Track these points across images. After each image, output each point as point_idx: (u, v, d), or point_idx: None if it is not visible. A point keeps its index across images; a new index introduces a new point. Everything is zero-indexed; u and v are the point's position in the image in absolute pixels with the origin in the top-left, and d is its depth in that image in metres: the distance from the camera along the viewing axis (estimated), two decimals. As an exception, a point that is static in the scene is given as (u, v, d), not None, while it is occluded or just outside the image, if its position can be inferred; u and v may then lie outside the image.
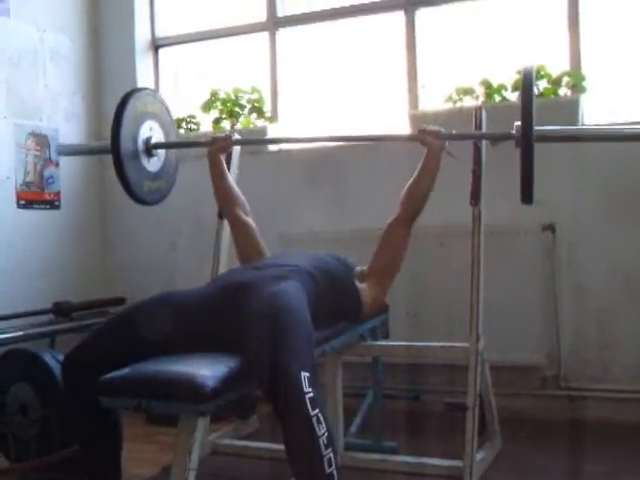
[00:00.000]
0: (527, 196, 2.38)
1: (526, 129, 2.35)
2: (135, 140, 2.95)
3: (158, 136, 3.08)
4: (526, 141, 2.35)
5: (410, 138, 2.74)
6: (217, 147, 2.93)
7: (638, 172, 3.25)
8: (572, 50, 3.49)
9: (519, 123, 2.39)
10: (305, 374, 1.79)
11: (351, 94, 4.00)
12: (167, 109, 3.18)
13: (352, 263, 2.69)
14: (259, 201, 3.75)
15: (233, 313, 2.09)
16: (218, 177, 2.90)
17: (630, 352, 3.28)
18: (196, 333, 2.13)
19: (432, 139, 2.63)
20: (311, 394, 1.78)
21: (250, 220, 2.85)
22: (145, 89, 3.22)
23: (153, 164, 3.06)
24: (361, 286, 2.59)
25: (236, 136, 3.11)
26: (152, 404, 1.90)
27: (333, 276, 2.45)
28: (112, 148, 2.84)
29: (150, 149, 3.02)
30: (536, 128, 2.37)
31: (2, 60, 3.79)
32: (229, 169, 3.10)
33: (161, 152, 3.11)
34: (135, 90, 3.03)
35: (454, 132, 2.70)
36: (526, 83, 2.39)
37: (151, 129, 3.04)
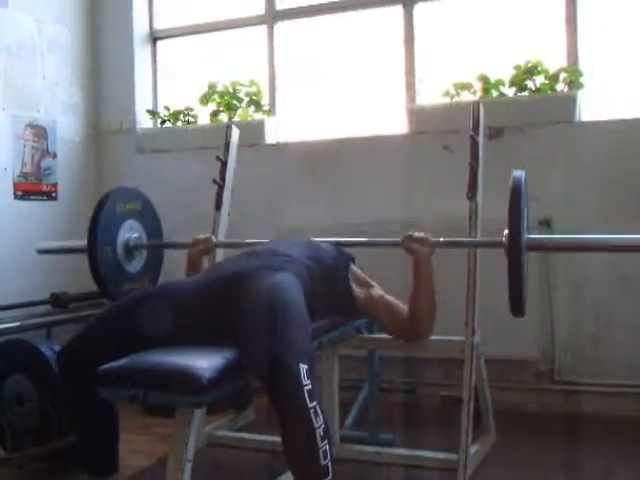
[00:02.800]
0: (517, 308, 2.21)
1: (513, 241, 2.16)
2: (115, 244, 2.92)
3: (139, 233, 3.05)
4: (514, 251, 2.16)
5: (395, 245, 2.58)
6: (198, 250, 2.86)
7: (634, 167, 3.26)
8: (569, 46, 3.50)
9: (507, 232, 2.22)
10: (304, 366, 1.80)
11: (349, 88, 4.00)
12: (148, 202, 3.15)
13: (350, 255, 2.69)
14: (257, 194, 3.78)
15: (230, 304, 2.09)
16: (192, 272, 2.78)
17: (624, 347, 3.30)
18: (193, 324, 2.14)
19: (418, 247, 2.50)
20: (309, 386, 1.78)
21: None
22: (120, 189, 3.15)
23: (134, 265, 3.03)
24: (356, 289, 2.59)
25: (234, 131, 3.10)
26: (149, 395, 1.91)
27: (328, 267, 2.45)
28: (89, 257, 2.82)
29: (130, 251, 2.99)
30: (528, 237, 2.22)
31: (0, 51, 3.78)
32: (226, 164, 3.10)
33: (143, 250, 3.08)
34: (111, 192, 2.99)
35: (441, 240, 2.54)
36: (515, 192, 2.20)
37: (131, 228, 3.00)
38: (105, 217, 2.87)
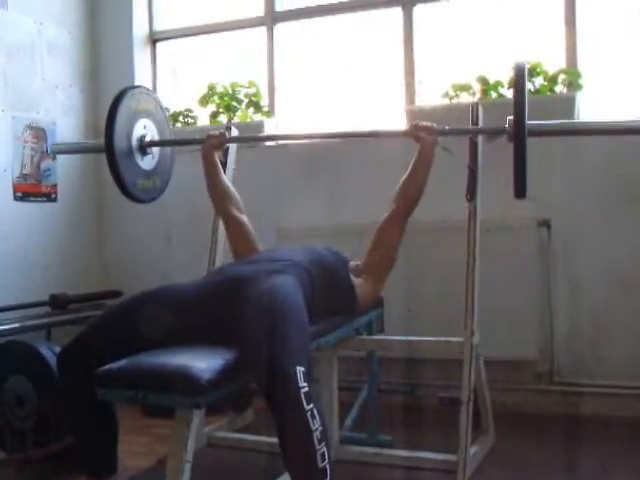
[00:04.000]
0: (520, 190, 2.38)
1: (518, 123, 2.36)
2: (129, 138, 2.93)
3: (152, 134, 3.06)
4: (518, 135, 2.36)
5: (403, 134, 2.73)
6: (211, 144, 2.91)
7: (634, 168, 3.27)
8: (568, 47, 3.51)
9: (512, 117, 2.40)
10: (300, 369, 1.80)
11: (348, 89, 4.01)
12: (161, 107, 3.17)
13: (346, 257, 2.69)
14: (256, 195, 3.77)
15: (230, 307, 2.10)
16: (211, 174, 2.89)
17: (624, 348, 3.30)
18: (192, 326, 2.14)
19: (425, 134, 2.63)
20: (306, 389, 1.78)
21: (244, 217, 2.84)
22: (139, 87, 3.20)
23: (147, 162, 3.03)
24: (356, 280, 2.59)
25: (234, 132, 3.12)
26: (148, 396, 1.91)
27: (328, 270, 2.46)
28: (106, 147, 2.82)
29: (144, 147, 3.00)
30: (529, 122, 2.37)
31: (-1, 52, 3.80)
32: (226, 164, 3.10)
33: (155, 150, 3.09)
34: (129, 88, 3.00)
35: (447, 127, 2.70)
36: (518, 78, 2.39)
37: (145, 127, 3.01)
38: (121, 113, 2.87)
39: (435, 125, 2.66)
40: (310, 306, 2.14)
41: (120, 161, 2.86)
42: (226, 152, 3.12)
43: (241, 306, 2.04)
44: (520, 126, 2.36)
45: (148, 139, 3.02)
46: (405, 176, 2.66)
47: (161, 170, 3.13)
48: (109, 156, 2.83)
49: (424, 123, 2.67)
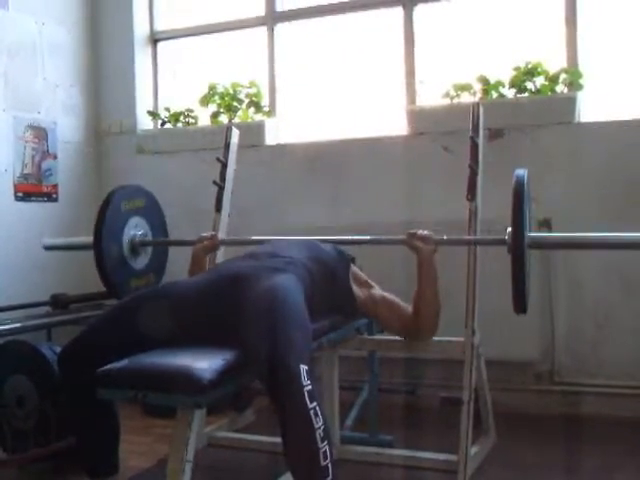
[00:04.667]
0: (520, 305, 2.28)
1: (517, 236, 2.25)
2: (120, 241, 2.95)
3: (144, 230, 3.07)
4: (517, 249, 2.24)
5: (399, 242, 2.62)
6: (203, 247, 2.86)
7: (634, 168, 3.27)
8: (569, 47, 3.51)
9: (511, 229, 2.30)
10: (304, 367, 1.80)
11: (349, 90, 4.01)
12: (153, 201, 3.17)
13: (350, 255, 2.69)
14: (256, 195, 3.78)
15: (231, 306, 2.10)
16: (196, 270, 2.79)
17: (624, 348, 3.30)
18: (194, 325, 2.14)
19: (421, 244, 2.53)
20: (309, 387, 1.79)
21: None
22: (128, 186, 3.19)
23: (140, 261, 3.05)
24: (357, 290, 2.59)
25: (234, 132, 3.11)
26: (149, 396, 1.91)
27: (328, 268, 2.46)
28: (95, 255, 2.84)
29: (136, 247, 3.01)
30: (529, 235, 2.28)
31: (0, 52, 3.79)
32: (226, 165, 3.10)
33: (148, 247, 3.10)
34: (118, 188, 3.02)
35: (444, 237, 2.59)
36: (517, 190, 2.27)
37: (137, 225, 3.03)
38: (111, 215, 2.90)
39: (432, 234, 2.56)
40: (310, 305, 2.14)
41: (110, 266, 2.88)
42: (227, 152, 3.12)
43: (242, 305, 2.04)
44: (519, 240, 2.25)
45: (140, 236, 3.03)
46: (414, 295, 2.54)
47: (155, 265, 3.15)
48: (98, 263, 2.86)
49: (420, 232, 2.56)
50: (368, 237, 2.83)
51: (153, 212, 3.16)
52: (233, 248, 2.90)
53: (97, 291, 4.08)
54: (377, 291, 2.63)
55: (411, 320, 2.54)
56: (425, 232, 2.56)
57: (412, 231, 2.58)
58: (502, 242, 2.38)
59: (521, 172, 2.30)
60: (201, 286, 2.26)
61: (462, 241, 2.68)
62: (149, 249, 3.12)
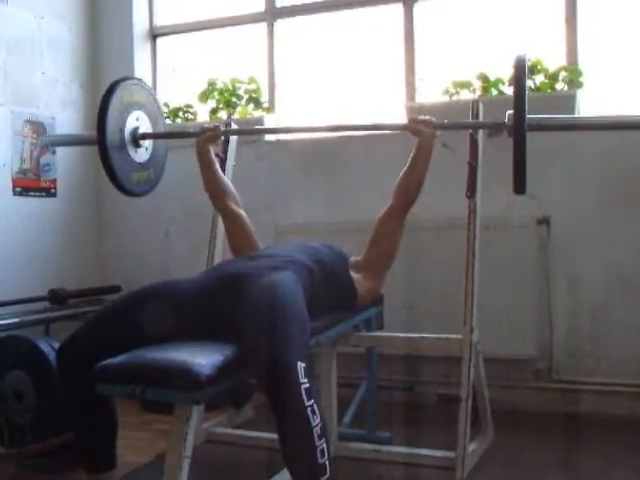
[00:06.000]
0: (519, 185, 2.37)
1: (518, 117, 2.34)
2: (122, 131, 2.91)
3: (145, 126, 3.03)
4: (518, 129, 2.34)
5: (402, 128, 2.74)
6: (205, 137, 2.89)
7: (633, 166, 3.27)
8: (569, 45, 3.51)
9: (512, 112, 2.38)
10: (301, 364, 1.80)
11: (349, 86, 4.00)
12: (155, 98, 3.14)
13: (346, 253, 2.69)
14: (255, 191, 3.77)
15: (229, 303, 2.10)
16: (206, 167, 2.86)
17: (623, 345, 3.30)
18: (192, 322, 2.13)
19: (423, 128, 2.65)
20: (307, 384, 1.78)
21: (242, 211, 2.80)
22: (131, 78, 3.18)
23: (140, 155, 3.01)
24: (356, 276, 2.59)
25: (233, 126, 3.11)
26: (147, 391, 1.90)
27: (328, 267, 2.45)
28: (98, 139, 2.80)
29: (137, 140, 2.98)
30: (529, 117, 2.35)
31: (-1, 47, 3.79)
32: (226, 160, 3.09)
33: (149, 142, 3.07)
34: (121, 79, 2.97)
35: (446, 122, 2.72)
36: (518, 72, 2.37)
37: (138, 119, 2.99)
38: (114, 105, 2.85)
39: (433, 119, 2.68)
40: (310, 302, 2.14)
41: (112, 154, 2.84)
42: (226, 148, 3.11)
43: (241, 303, 2.03)
44: (520, 120, 2.34)
45: (141, 131, 3.00)
46: (404, 171, 2.66)
47: (155, 163, 3.11)
48: (101, 148, 2.81)
49: (422, 117, 2.69)
50: (369, 124, 3.16)
51: (153, 110, 3.12)
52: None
53: (95, 286, 4.10)
54: (365, 258, 2.66)
55: (396, 207, 2.63)
56: (426, 117, 2.69)
57: (413, 116, 2.74)
58: (502, 126, 2.51)
59: (522, 55, 2.39)
60: (200, 284, 2.26)
61: (463, 125, 2.79)
62: (150, 146, 3.08)
